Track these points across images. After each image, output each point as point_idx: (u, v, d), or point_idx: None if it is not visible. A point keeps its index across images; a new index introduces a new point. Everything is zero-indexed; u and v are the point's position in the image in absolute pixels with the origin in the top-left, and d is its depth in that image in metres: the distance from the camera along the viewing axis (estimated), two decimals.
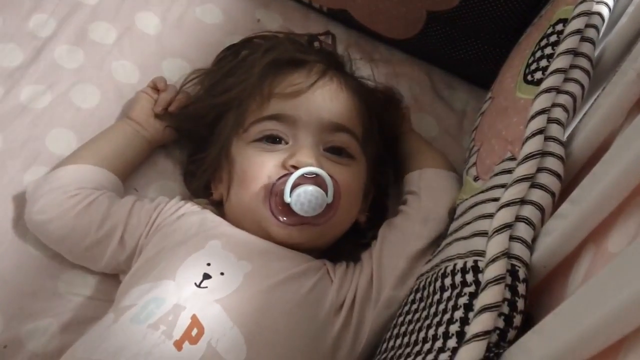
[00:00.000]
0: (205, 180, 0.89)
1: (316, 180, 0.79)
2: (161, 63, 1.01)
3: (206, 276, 0.73)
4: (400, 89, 1.03)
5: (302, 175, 0.78)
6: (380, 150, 0.91)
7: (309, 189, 0.77)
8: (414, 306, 0.73)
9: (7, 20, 0.99)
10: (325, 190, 0.79)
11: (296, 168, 0.79)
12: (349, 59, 0.96)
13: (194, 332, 0.67)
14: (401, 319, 0.74)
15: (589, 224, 0.56)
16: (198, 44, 1.03)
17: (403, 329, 0.71)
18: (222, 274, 0.74)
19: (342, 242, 0.86)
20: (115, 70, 0.99)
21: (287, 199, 0.77)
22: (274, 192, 0.79)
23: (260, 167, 0.81)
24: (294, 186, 0.77)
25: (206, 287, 0.72)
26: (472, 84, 1.09)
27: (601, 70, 0.76)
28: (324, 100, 0.83)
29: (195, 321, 0.68)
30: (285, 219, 0.79)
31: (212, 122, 0.88)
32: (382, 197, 0.93)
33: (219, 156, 0.86)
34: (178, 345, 0.66)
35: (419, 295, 0.74)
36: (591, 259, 0.55)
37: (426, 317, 0.67)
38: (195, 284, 0.72)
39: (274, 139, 0.83)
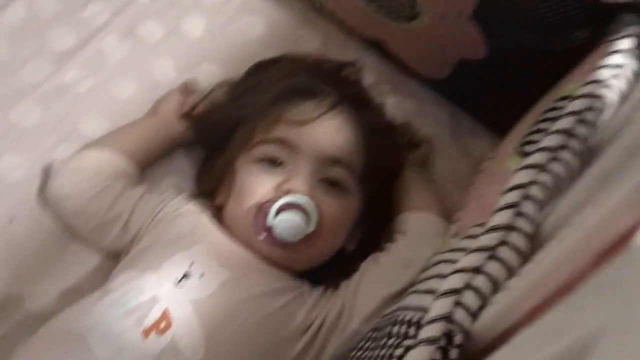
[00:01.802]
0: (212, 185, 0.94)
1: (302, 209, 0.83)
2: (198, 67, 1.07)
3: (186, 275, 0.79)
4: (422, 127, 1.06)
5: (289, 203, 0.82)
6: (381, 187, 0.93)
7: (291, 216, 0.82)
8: (368, 344, 0.77)
9: (67, 6, 1.07)
10: (309, 219, 0.83)
11: (288, 193, 0.83)
12: (375, 89, 1.00)
13: (162, 324, 0.75)
14: (354, 353, 0.78)
15: (529, 298, 0.57)
16: (236, 54, 1.08)
17: None
18: (202, 275, 0.80)
19: (325, 266, 0.90)
20: (155, 68, 1.05)
21: (270, 221, 0.82)
22: (261, 212, 0.84)
23: (256, 186, 0.86)
24: (280, 210, 0.82)
25: (184, 286, 0.79)
26: (496, 132, 1.09)
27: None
28: (326, 133, 0.87)
29: (165, 315, 0.75)
30: (265, 236, 0.83)
31: (227, 133, 0.93)
32: (376, 229, 0.95)
33: (225, 166, 0.92)
34: (146, 333, 0.74)
35: (374, 334, 0.77)
36: None
37: (371, 358, 0.71)
38: (175, 280, 0.79)
39: (274, 162, 0.87)
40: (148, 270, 0.80)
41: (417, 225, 0.91)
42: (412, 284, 0.83)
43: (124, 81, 1.03)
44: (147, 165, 0.98)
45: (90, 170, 0.91)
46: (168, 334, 0.74)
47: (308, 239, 0.84)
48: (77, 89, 1.01)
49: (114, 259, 0.90)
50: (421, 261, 0.85)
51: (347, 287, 0.86)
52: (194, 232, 0.87)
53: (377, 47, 1.11)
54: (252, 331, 0.79)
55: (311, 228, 0.83)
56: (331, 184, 0.87)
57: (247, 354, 0.78)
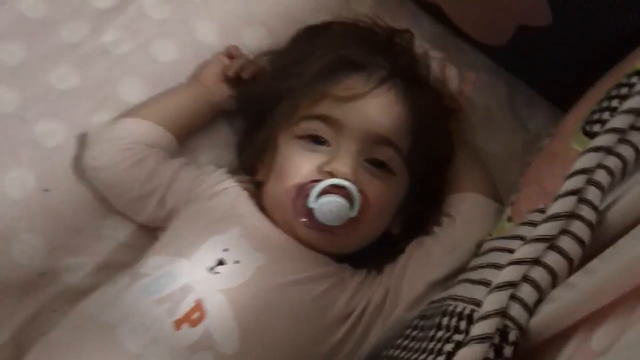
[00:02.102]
0: (252, 160, 0.90)
1: (345, 192, 0.79)
2: (243, 29, 1.02)
3: (220, 262, 0.76)
4: (477, 97, 1.00)
5: (333, 185, 0.78)
6: (430, 167, 0.88)
7: (334, 199, 0.78)
8: (415, 333, 0.73)
9: None
10: (352, 203, 0.79)
11: (331, 174, 0.79)
12: (427, 57, 0.94)
13: (195, 315, 0.71)
14: (400, 341, 0.74)
15: (594, 299, 0.53)
16: (283, 16, 1.03)
17: (397, 353, 0.72)
18: (236, 262, 0.76)
19: (369, 248, 0.86)
20: (198, 29, 1.01)
21: (311, 204, 0.78)
22: (302, 194, 0.80)
23: (297, 166, 0.82)
24: (323, 193, 0.78)
25: (218, 273, 0.75)
26: (556, 106, 1.03)
27: None
28: (374, 110, 0.82)
29: (198, 305, 0.72)
30: (305, 220, 0.80)
31: (270, 105, 0.88)
32: (424, 212, 0.90)
33: (267, 141, 0.87)
34: (177, 324, 0.70)
35: (422, 323, 0.74)
36: (575, 349, 0.53)
37: (417, 350, 0.68)
38: (209, 268, 0.75)
39: (318, 140, 0.83)
40: (181, 255, 0.77)
41: (465, 207, 0.87)
42: (460, 269, 0.79)
43: (166, 43, 0.99)
44: (186, 135, 0.94)
45: (125, 139, 0.88)
46: (201, 326, 0.71)
47: (350, 223, 0.80)
48: (116, 50, 0.97)
49: (151, 235, 0.87)
50: (469, 245, 0.81)
51: (392, 271, 0.83)
52: (230, 213, 0.83)
53: (432, 10, 1.06)
54: (289, 320, 0.76)
55: (354, 213, 0.79)
56: (377, 165, 0.83)
57: (285, 344, 0.75)
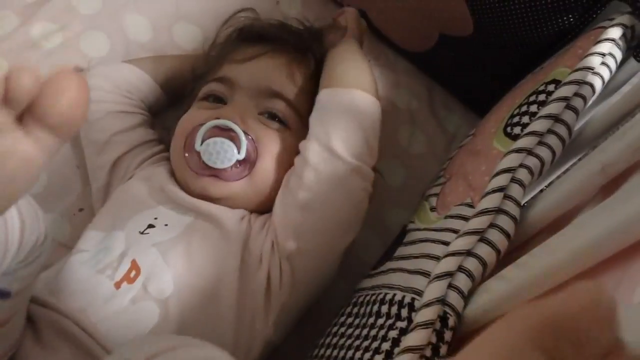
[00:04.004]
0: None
1: (232, 136, 0.81)
2: (173, 25, 1.04)
3: (150, 226, 0.79)
4: (398, 98, 1.06)
5: (219, 129, 0.81)
6: None
7: (218, 140, 0.80)
8: (349, 320, 0.77)
9: None
10: (239, 147, 0.80)
11: (218, 120, 0.82)
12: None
13: (132, 274, 0.74)
14: (335, 329, 0.78)
15: (527, 292, 0.59)
16: (214, 13, 1.04)
17: (335, 340, 0.76)
18: (165, 225, 0.79)
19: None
20: (128, 24, 1.01)
21: (198, 147, 0.81)
22: (189, 141, 0.82)
23: (189, 119, 0.85)
24: (209, 137, 0.81)
25: (148, 233, 0.78)
26: (470, 109, 1.10)
27: (581, 141, 0.79)
28: (267, 68, 0.87)
29: (134, 265, 0.75)
30: (195, 167, 0.82)
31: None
32: None
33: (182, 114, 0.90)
34: (117, 285, 0.73)
35: (355, 310, 0.78)
36: None
37: (358, 337, 0.72)
38: (139, 231, 0.78)
39: (216, 99, 0.87)
40: (115, 230, 0.79)
41: (321, 104, 0.84)
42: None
43: (96, 38, 0.99)
44: (176, 97, 0.97)
45: (123, 85, 0.92)
46: (138, 281, 0.74)
47: (242, 168, 0.82)
48: (46, 44, 0.97)
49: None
50: (332, 151, 0.79)
51: (275, 205, 0.83)
52: (158, 190, 0.84)
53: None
54: (217, 263, 0.77)
55: (242, 156, 0.80)
56: (272, 119, 0.86)
57: (219, 287, 0.76)
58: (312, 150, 0.80)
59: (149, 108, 0.95)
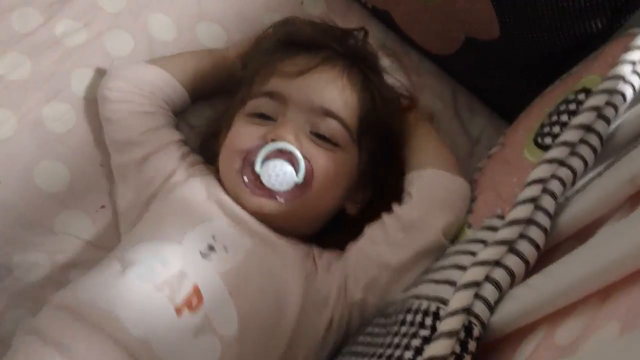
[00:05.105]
0: (210, 147, 0.92)
1: (290, 158, 0.81)
2: (197, 25, 1.03)
3: (211, 248, 0.77)
4: (422, 101, 1.04)
5: (278, 151, 0.81)
6: (381, 145, 0.90)
7: (279, 162, 0.80)
8: (377, 329, 0.77)
9: None
10: (297, 168, 0.81)
11: (274, 141, 0.81)
12: (376, 57, 0.96)
13: (194, 301, 0.73)
14: (361, 338, 0.78)
15: (555, 301, 0.58)
16: (237, 14, 1.04)
17: (360, 349, 0.75)
18: (225, 247, 0.78)
19: (330, 230, 0.88)
20: (151, 24, 1.01)
21: (258, 169, 0.80)
22: (247, 161, 0.82)
23: (242, 136, 0.84)
24: (267, 158, 0.80)
25: (210, 257, 0.77)
26: (494, 111, 1.09)
27: (610, 147, 0.77)
28: (319, 84, 0.85)
29: (196, 291, 0.73)
30: (250, 184, 0.81)
31: (233, 91, 0.92)
32: (383, 191, 0.91)
33: (223, 124, 0.90)
34: (178, 311, 0.71)
35: (382, 320, 0.77)
36: (538, 343, 0.58)
37: (382, 345, 0.71)
38: (201, 252, 0.77)
39: (265, 117, 0.85)
40: (170, 241, 0.77)
41: (422, 182, 0.85)
42: (427, 251, 0.80)
43: (120, 36, 0.99)
44: (198, 97, 0.97)
45: (145, 86, 0.91)
46: (200, 311, 0.72)
47: (298, 190, 0.82)
48: (69, 42, 0.96)
49: (111, 227, 0.88)
50: (426, 224, 0.81)
51: (350, 253, 0.84)
52: (209, 201, 0.83)
53: (382, 16, 1.09)
54: (279, 302, 0.77)
55: (300, 178, 0.81)
56: (323, 138, 0.85)
57: (280, 324, 0.77)
58: (407, 213, 0.82)
59: (173, 109, 0.94)
